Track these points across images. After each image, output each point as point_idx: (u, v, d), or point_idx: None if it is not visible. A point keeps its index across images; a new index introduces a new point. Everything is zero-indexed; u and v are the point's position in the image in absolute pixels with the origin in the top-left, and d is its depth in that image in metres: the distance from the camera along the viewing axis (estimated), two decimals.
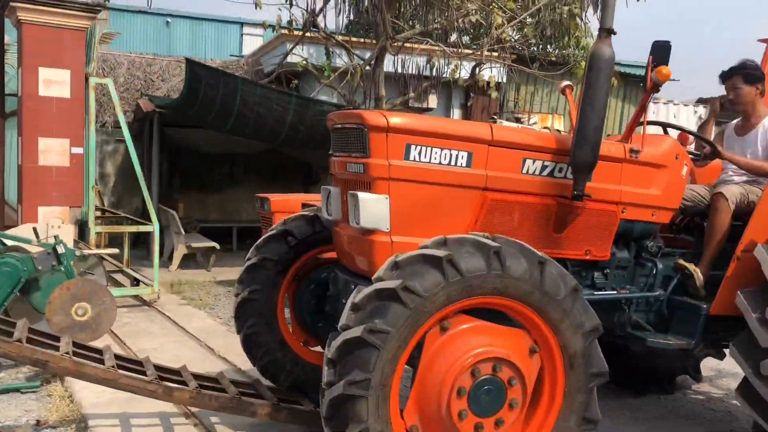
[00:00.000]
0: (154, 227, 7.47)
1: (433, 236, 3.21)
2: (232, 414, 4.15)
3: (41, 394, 4.90)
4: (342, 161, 3.72)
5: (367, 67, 12.01)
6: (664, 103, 17.51)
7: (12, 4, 6.67)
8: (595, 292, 3.98)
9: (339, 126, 3.76)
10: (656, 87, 3.73)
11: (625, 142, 4.03)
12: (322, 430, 3.75)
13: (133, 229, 7.93)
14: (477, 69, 13.12)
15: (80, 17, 7.03)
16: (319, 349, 4.48)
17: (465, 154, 3.57)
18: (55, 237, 5.50)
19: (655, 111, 17.11)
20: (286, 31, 12.24)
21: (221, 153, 12.82)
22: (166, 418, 4.50)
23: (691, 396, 5.42)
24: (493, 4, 11.77)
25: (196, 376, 4.20)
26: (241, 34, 28.34)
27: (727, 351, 4.54)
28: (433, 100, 14.31)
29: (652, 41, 3.83)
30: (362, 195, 3.41)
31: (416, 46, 12.08)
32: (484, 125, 3.75)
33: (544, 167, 3.75)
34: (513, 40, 12.59)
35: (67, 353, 3.77)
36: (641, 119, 3.98)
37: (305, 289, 4.43)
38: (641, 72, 16.23)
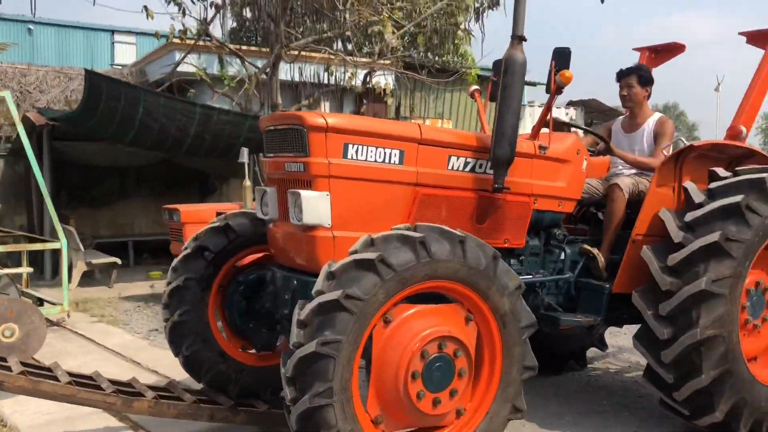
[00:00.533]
0: (61, 244, 7.21)
1: (372, 230, 3.36)
2: (190, 420, 4.17)
3: None
4: (279, 161, 3.82)
5: (263, 76, 12.11)
6: (539, 106, 18.74)
7: None
8: None
9: (275, 128, 3.86)
10: (560, 89, 4.07)
11: (534, 140, 4.37)
12: (276, 430, 3.89)
13: (39, 246, 7.58)
14: (369, 76, 13.55)
15: None
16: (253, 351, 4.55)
17: (397, 152, 3.78)
18: None
19: (531, 113, 18.31)
20: (177, 40, 12.08)
21: (111, 166, 12.42)
22: None
23: (601, 371, 5.98)
24: (384, 14, 12.22)
25: (150, 387, 4.21)
26: (112, 42, 27.25)
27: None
28: (325, 107, 14.54)
29: (554, 48, 4.18)
30: (304, 193, 3.53)
31: (315, 54, 12.30)
32: (414, 125, 3.99)
33: (467, 163, 4.02)
34: (402, 48, 13.08)
35: (21, 372, 3.68)
36: (547, 118, 4.33)
37: (232, 295, 4.45)
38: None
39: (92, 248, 10.95)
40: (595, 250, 4.58)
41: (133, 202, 13.53)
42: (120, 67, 21.70)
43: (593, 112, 18.75)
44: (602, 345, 6.01)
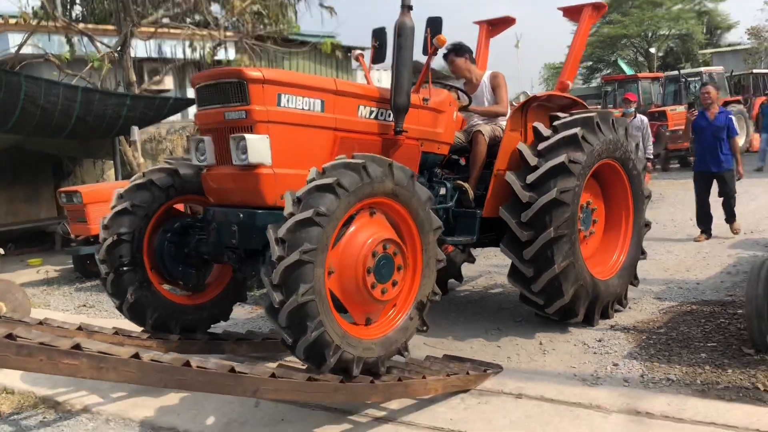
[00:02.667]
0: None
1: (304, 168, 3.91)
2: (208, 354, 4.91)
3: None
4: (218, 112, 4.28)
5: (115, 54, 12.18)
6: (377, 70, 20.14)
7: None
8: None
9: (213, 83, 4.32)
10: (436, 50, 4.88)
11: (417, 94, 5.10)
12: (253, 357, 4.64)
13: None
14: (216, 48, 13.99)
15: None
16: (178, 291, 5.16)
17: (319, 101, 4.44)
18: None
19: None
20: (22, 21, 11.73)
21: None
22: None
23: (470, 292, 7.17)
24: None
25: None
26: None
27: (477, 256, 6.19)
28: (168, 82, 14.73)
29: (427, 17, 4.92)
30: (248, 136, 4.06)
31: (173, 30, 12.56)
32: (330, 79, 4.66)
33: (371, 112, 4.76)
34: (249, 20, 13.65)
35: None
36: (427, 76, 5.13)
37: (163, 238, 4.92)
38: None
39: None
40: (466, 185, 5.51)
41: None
42: None
43: (416, 73, 20.50)
44: (459, 278, 7.13)
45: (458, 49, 5.97)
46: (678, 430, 3.71)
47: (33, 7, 11.55)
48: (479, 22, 6.97)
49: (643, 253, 6.16)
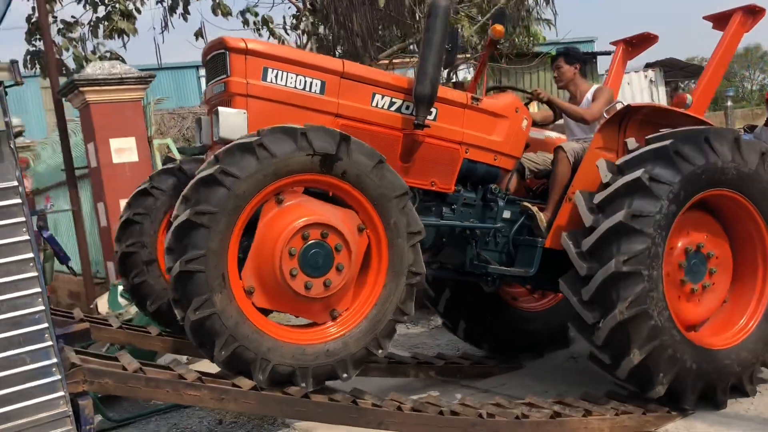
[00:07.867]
0: None
1: None
2: None
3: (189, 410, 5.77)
4: (210, 88, 4.01)
5: None
6: (626, 73, 18.99)
7: (81, 89, 7.65)
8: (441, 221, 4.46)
9: (210, 57, 4.02)
10: (494, 43, 4.47)
11: (468, 92, 4.52)
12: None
13: None
14: (450, 72, 14.39)
15: (135, 89, 8.02)
16: None
17: (319, 82, 3.96)
18: None
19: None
20: None
21: None
22: None
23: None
24: (460, 13, 13.06)
25: None
26: (198, 78, 29.09)
27: None
28: None
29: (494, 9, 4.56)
30: (222, 109, 3.68)
31: (406, 60, 13.31)
32: (339, 60, 4.16)
33: (392, 103, 4.18)
34: (480, 42, 13.85)
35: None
36: (483, 72, 4.66)
37: None
38: None
39: None
40: (534, 208, 4.64)
41: None
42: None
43: (671, 70, 18.87)
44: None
45: (570, 56, 5.17)
46: None
47: None
48: (616, 42, 6.20)
49: None
